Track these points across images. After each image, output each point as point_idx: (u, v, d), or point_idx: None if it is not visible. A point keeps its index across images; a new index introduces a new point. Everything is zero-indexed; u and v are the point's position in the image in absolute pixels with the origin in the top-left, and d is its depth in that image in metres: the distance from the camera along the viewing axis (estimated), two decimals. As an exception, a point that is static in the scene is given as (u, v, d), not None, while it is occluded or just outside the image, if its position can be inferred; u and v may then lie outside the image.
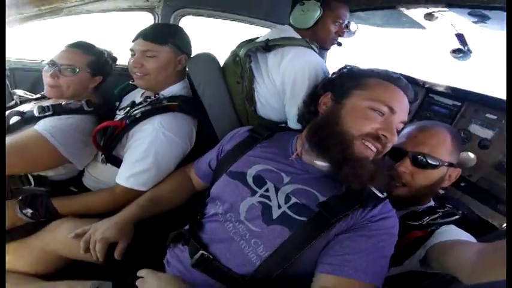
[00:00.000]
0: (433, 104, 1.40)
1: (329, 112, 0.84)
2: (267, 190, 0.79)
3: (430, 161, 0.90)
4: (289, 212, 0.74)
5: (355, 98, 0.80)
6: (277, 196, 0.78)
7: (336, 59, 1.87)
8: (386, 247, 0.71)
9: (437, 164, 0.90)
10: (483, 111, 1.19)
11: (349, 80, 0.85)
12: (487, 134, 1.15)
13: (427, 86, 1.43)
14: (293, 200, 0.76)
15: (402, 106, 0.81)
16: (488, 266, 0.52)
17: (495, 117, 1.15)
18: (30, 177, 1.13)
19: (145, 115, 1.11)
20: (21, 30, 1.49)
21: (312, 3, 1.24)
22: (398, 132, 0.83)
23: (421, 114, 1.43)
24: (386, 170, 0.93)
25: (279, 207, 0.76)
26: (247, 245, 0.74)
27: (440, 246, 0.77)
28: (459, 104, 1.28)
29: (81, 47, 1.29)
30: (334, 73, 0.95)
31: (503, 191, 1.05)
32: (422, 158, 0.90)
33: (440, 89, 1.37)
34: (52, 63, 1.22)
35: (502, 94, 1.15)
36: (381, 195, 0.76)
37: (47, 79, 1.22)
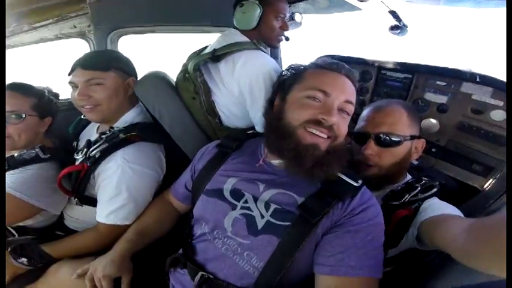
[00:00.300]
0: (386, 79, 1.46)
1: (276, 111, 0.86)
2: (245, 201, 0.79)
3: (392, 138, 0.93)
4: (273, 220, 0.74)
5: (295, 92, 0.84)
6: (257, 206, 0.78)
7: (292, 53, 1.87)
8: (375, 238, 0.71)
9: (400, 140, 0.93)
10: (433, 79, 1.27)
11: (291, 78, 0.89)
12: (441, 99, 1.22)
13: (377, 64, 1.49)
14: (273, 206, 0.76)
15: (338, 87, 0.81)
16: (478, 243, 0.52)
17: (445, 83, 1.22)
18: (10, 229, 1.13)
19: (105, 153, 1.06)
20: None
21: (250, 3, 1.22)
22: (357, 114, 0.86)
23: (378, 90, 1.49)
24: (354, 155, 0.97)
25: (262, 216, 0.76)
26: (241, 258, 0.74)
27: (427, 223, 0.78)
28: (410, 76, 1.35)
29: (20, 89, 1.19)
30: (280, 74, 0.98)
31: (472, 151, 1.11)
32: (384, 136, 0.93)
33: (390, 65, 1.43)
34: None
35: (443, 63, 1.25)
36: (355, 183, 0.77)
37: None
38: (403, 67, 1.38)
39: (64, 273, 0.98)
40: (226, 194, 0.82)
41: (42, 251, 1.05)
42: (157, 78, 1.27)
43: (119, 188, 1.02)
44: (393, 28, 1.45)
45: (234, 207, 0.79)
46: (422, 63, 1.32)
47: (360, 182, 0.78)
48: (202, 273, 0.75)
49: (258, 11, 1.22)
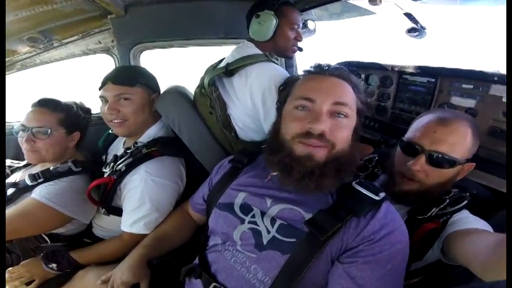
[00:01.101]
0: (408, 84, 1.42)
1: (275, 127, 0.84)
2: (253, 216, 0.79)
3: (447, 161, 0.82)
4: (278, 236, 0.73)
5: (287, 105, 0.81)
6: (263, 221, 0.77)
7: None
8: (396, 266, 0.66)
9: (455, 163, 0.83)
10: (458, 82, 1.21)
11: (286, 90, 0.85)
12: (469, 103, 1.15)
13: (397, 69, 1.45)
14: (278, 222, 0.75)
15: (323, 90, 0.75)
16: (498, 260, 0.49)
17: (471, 86, 1.16)
18: (44, 236, 1.20)
19: (130, 167, 1.12)
20: None
21: (266, 14, 1.23)
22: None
23: (401, 96, 1.45)
24: (397, 165, 0.90)
25: (268, 232, 0.75)
26: (248, 271, 0.73)
27: (451, 237, 0.74)
28: (433, 80, 1.30)
29: (47, 105, 1.25)
30: (278, 88, 0.94)
31: (503, 156, 1.04)
32: (439, 156, 0.82)
33: (411, 69, 1.39)
34: (23, 128, 1.21)
35: (465, 65, 1.18)
36: (375, 197, 0.71)
37: (23, 145, 1.22)
38: (425, 71, 1.33)
39: (89, 279, 1.03)
40: (236, 209, 0.83)
41: (71, 257, 1.12)
42: (176, 94, 1.30)
43: (142, 199, 1.08)
44: (410, 31, 1.40)
45: (242, 222, 0.79)
46: (446, 66, 1.27)
47: (382, 195, 0.72)
48: (215, 284, 0.75)
49: (274, 22, 1.23)
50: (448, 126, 0.83)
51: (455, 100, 1.20)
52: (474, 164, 0.88)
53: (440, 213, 0.82)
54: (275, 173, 0.81)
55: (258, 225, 0.76)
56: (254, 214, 0.79)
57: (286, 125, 0.77)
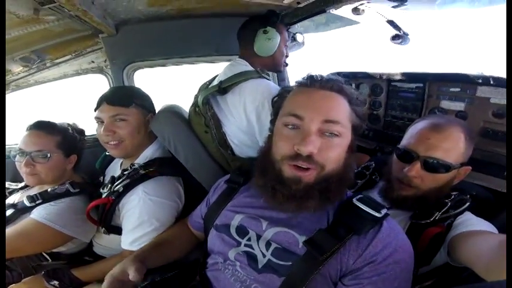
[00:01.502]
0: (398, 91, 1.45)
1: (266, 145, 0.82)
2: (249, 239, 0.78)
3: (442, 166, 0.84)
4: (273, 259, 0.72)
5: (278, 120, 0.77)
6: (258, 244, 0.76)
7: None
8: (403, 283, 0.65)
9: (450, 167, 0.84)
10: (445, 86, 1.24)
11: (278, 104, 0.82)
12: (459, 106, 1.18)
13: (385, 77, 1.48)
14: (273, 245, 0.74)
15: (311, 106, 0.71)
16: (504, 263, 0.48)
17: (458, 89, 1.19)
18: (45, 254, 1.23)
19: (127, 188, 1.13)
20: None
21: (272, 31, 1.27)
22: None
23: (392, 103, 1.47)
24: (394, 172, 0.90)
25: (264, 256, 0.74)
26: None
27: (455, 240, 0.74)
28: (421, 85, 1.32)
29: (43, 128, 1.27)
30: (272, 100, 0.89)
31: (500, 157, 1.05)
32: (434, 162, 0.84)
33: (399, 76, 1.42)
34: (21, 152, 1.22)
35: (450, 69, 1.18)
36: (376, 213, 0.68)
37: (22, 169, 1.23)
38: (412, 77, 1.36)
39: None
40: (232, 231, 0.82)
41: (72, 274, 1.15)
42: (171, 113, 1.30)
43: (141, 218, 1.08)
44: (394, 38, 1.45)
45: (238, 244, 0.78)
46: (431, 71, 1.30)
47: (383, 211, 0.69)
48: None
49: (279, 39, 1.29)
50: (442, 133, 0.84)
51: (445, 104, 1.23)
52: (470, 167, 0.89)
53: (444, 217, 0.82)
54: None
55: (254, 249, 0.75)
56: (250, 237, 0.78)
57: (276, 145, 0.74)
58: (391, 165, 0.94)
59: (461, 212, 0.82)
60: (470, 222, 0.78)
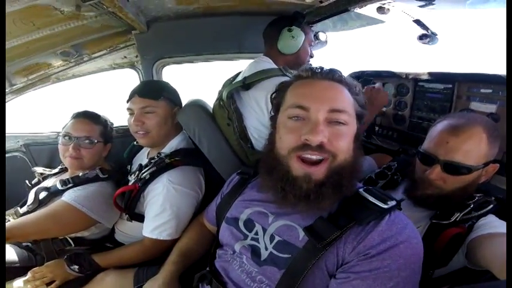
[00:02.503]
0: (425, 92, 1.40)
1: (269, 141, 0.81)
2: (256, 233, 0.79)
3: (463, 168, 0.81)
4: (275, 252, 0.73)
5: (280, 114, 0.77)
6: (264, 238, 0.77)
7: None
8: (402, 284, 0.59)
9: (471, 169, 0.82)
10: (476, 87, 1.18)
11: (279, 98, 0.81)
12: (490, 108, 1.12)
13: (411, 76, 1.44)
14: (276, 239, 0.74)
15: (316, 96, 0.70)
16: None
17: (490, 90, 1.13)
18: (69, 239, 1.28)
19: (153, 176, 1.19)
20: (19, 104, 1.70)
21: (297, 30, 1.32)
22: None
23: (418, 104, 1.43)
24: (417, 173, 0.89)
25: (266, 248, 0.75)
26: (253, 281, 0.74)
27: (475, 241, 0.72)
28: (450, 86, 1.27)
29: (91, 117, 1.39)
30: (271, 96, 0.87)
31: None
32: (454, 165, 0.81)
33: (426, 76, 1.38)
34: (69, 136, 1.32)
35: (482, 69, 1.14)
36: (382, 205, 0.65)
37: (67, 152, 1.32)
38: (441, 77, 1.32)
39: (108, 281, 1.10)
40: (241, 224, 0.83)
41: (92, 260, 1.19)
42: (197, 107, 1.37)
43: (164, 206, 1.14)
44: (422, 37, 1.40)
45: (245, 237, 0.80)
46: (461, 71, 1.25)
47: (391, 203, 0.66)
48: None
49: (303, 38, 1.33)
50: (461, 135, 0.82)
51: (475, 105, 1.18)
52: (498, 165, 0.86)
53: (466, 218, 0.80)
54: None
55: (259, 243, 0.77)
56: (257, 231, 0.79)
57: (281, 138, 0.73)
58: (415, 166, 0.93)
59: (485, 214, 0.79)
60: (492, 224, 0.76)
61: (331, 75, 0.74)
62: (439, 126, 0.88)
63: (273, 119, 0.81)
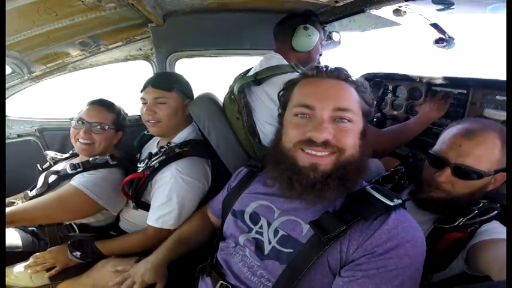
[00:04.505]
0: None
1: (276, 136, 0.83)
2: (261, 227, 0.80)
3: (473, 173, 0.80)
4: (278, 246, 0.74)
5: (287, 112, 0.79)
6: (268, 232, 0.78)
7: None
8: (407, 283, 0.60)
9: (482, 175, 0.81)
10: (491, 94, 1.17)
11: (285, 96, 0.83)
12: (504, 116, 1.10)
13: (425, 80, 1.42)
14: (280, 233, 0.75)
15: (321, 95, 0.72)
16: None
17: (505, 97, 1.11)
18: (74, 225, 1.29)
19: (162, 164, 1.22)
20: (36, 90, 1.73)
21: (313, 28, 1.33)
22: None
23: None
24: (425, 174, 0.88)
25: (269, 242, 0.76)
26: (253, 275, 0.75)
27: (476, 247, 0.72)
28: (465, 91, 1.26)
29: (105, 105, 1.43)
30: (278, 94, 0.89)
31: None
32: (465, 169, 0.80)
33: (440, 81, 1.36)
34: (82, 121, 1.35)
35: (497, 75, 1.12)
36: (388, 202, 0.66)
37: (79, 136, 1.35)
38: (455, 82, 1.30)
39: (108, 269, 1.10)
40: (246, 217, 0.85)
41: (95, 247, 1.21)
42: (208, 99, 1.40)
43: (170, 195, 1.16)
44: (438, 41, 1.38)
45: (250, 230, 0.81)
46: (477, 76, 1.23)
47: (397, 201, 0.66)
48: (222, 282, 0.78)
49: (318, 36, 1.34)
50: (474, 139, 0.81)
51: (489, 113, 1.16)
52: (505, 173, 0.84)
53: (469, 223, 0.79)
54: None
55: (263, 236, 0.78)
56: (262, 225, 0.80)
57: (287, 134, 0.75)
58: (422, 169, 0.93)
59: (488, 220, 0.79)
60: (495, 230, 0.75)
61: (337, 73, 0.76)
62: (453, 130, 0.88)
63: (280, 116, 0.84)
